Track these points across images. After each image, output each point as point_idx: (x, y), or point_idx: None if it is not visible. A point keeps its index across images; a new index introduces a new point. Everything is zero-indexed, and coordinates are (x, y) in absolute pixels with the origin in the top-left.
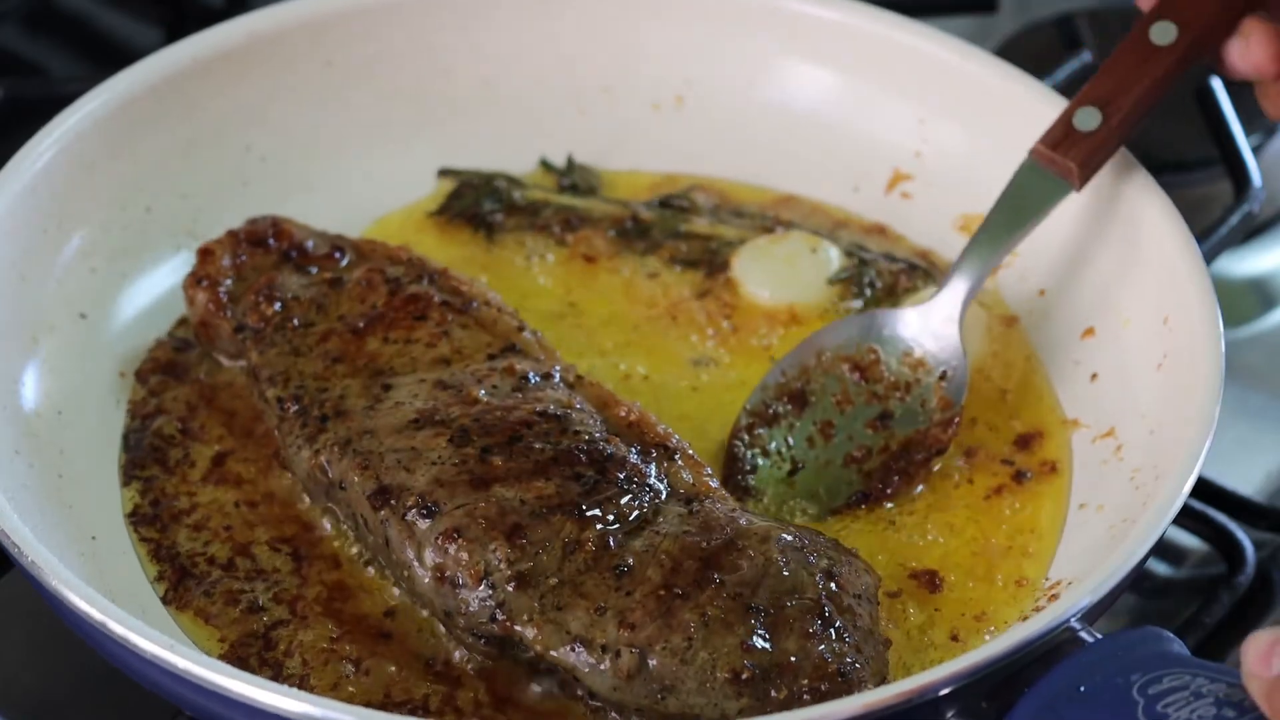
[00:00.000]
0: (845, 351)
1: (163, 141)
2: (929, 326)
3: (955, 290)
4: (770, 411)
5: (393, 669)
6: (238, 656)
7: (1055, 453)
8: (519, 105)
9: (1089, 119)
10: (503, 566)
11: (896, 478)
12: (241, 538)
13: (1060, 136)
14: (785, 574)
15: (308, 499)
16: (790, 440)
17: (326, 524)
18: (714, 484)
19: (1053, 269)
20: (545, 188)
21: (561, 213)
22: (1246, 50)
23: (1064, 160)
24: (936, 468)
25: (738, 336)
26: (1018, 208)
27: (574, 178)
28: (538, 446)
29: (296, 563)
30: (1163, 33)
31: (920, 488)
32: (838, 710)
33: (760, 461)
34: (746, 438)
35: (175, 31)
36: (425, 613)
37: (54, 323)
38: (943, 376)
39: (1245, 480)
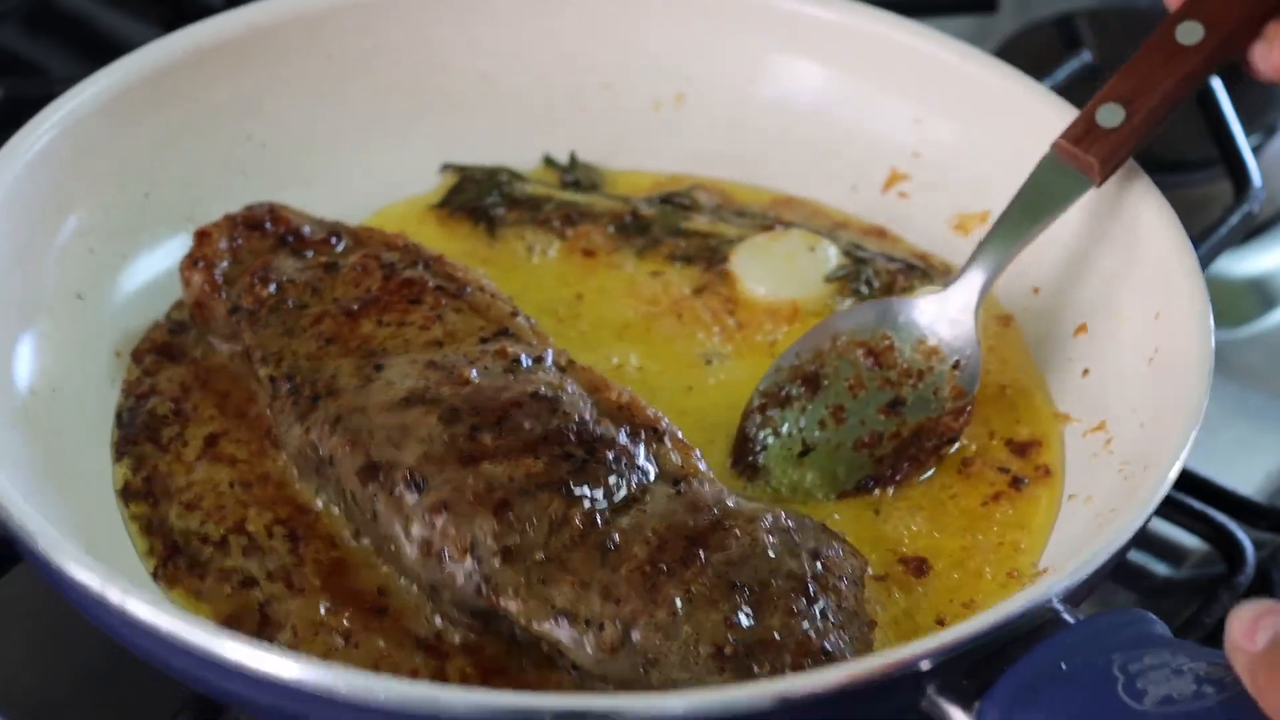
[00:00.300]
0: (860, 337)
1: (162, 128)
2: (944, 315)
3: (972, 280)
4: (783, 393)
5: (382, 644)
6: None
7: (1050, 456)
8: (518, 101)
9: (1112, 115)
10: (489, 541)
11: (906, 464)
12: (235, 516)
13: (1082, 132)
14: (771, 554)
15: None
16: (802, 422)
17: (319, 504)
18: (702, 466)
19: (1048, 267)
20: (548, 183)
21: (562, 208)
22: (1269, 53)
23: (1085, 156)
24: (951, 452)
25: (743, 333)
26: (1037, 202)
27: (577, 174)
28: (527, 426)
29: (293, 542)
30: (1189, 32)
31: (931, 470)
32: (819, 680)
33: (771, 442)
34: (759, 418)
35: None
36: (407, 583)
37: (51, 302)
38: (956, 365)
39: (1245, 480)
